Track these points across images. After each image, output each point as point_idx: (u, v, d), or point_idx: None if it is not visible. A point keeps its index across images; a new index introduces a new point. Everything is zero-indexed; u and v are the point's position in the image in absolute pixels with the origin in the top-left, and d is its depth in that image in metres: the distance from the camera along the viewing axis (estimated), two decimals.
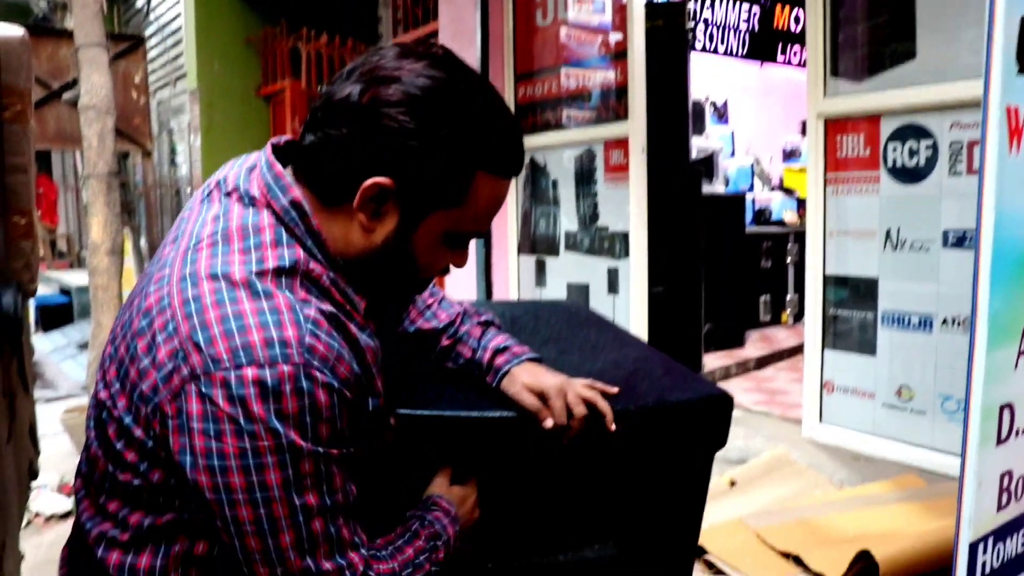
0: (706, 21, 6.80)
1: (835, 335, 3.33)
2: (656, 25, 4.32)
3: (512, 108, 4.92)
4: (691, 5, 6.47)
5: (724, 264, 5.17)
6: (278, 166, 1.01)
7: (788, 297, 6.02)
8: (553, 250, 4.71)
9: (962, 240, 2.88)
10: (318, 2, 7.01)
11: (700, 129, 6.39)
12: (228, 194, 1.01)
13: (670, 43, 4.42)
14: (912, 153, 3.01)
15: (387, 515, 1.13)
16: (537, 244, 4.84)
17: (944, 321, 2.95)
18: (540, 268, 4.83)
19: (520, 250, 4.96)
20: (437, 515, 1.13)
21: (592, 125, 4.42)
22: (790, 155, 7.26)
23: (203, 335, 0.89)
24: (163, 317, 0.93)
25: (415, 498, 1.17)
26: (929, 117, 2.94)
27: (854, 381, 3.29)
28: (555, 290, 4.74)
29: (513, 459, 1.26)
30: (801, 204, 6.35)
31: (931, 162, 2.95)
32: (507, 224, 4.96)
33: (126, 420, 0.96)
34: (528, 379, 1.23)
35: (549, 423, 1.20)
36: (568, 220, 4.60)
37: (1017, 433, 1.36)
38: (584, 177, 4.46)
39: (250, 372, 0.87)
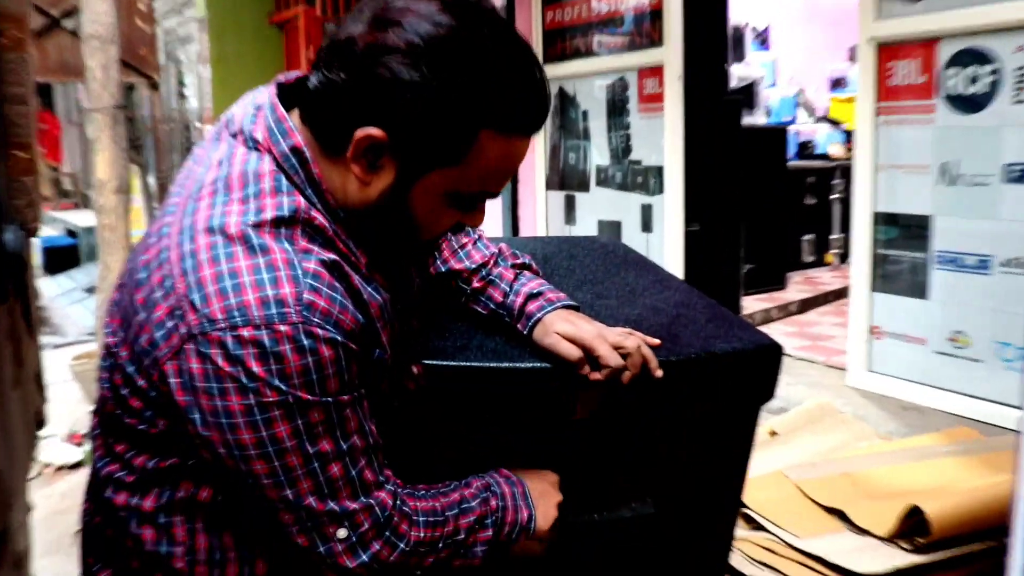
0: None
1: (884, 277, 3.28)
2: None
3: (539, 34, 4.84)
4: None
5: (765, 201, 5.11)
6: (281, 108, 1.00)
7: (833, 236, 5.94)
8: (583, 186, 4.67)
9: None
10: None
11: (740, 56, 6.25)
12: (234, 135, 1.01)
13: None
14: (972, 80, 2.92)
15: (418, 473, 1.13)
16: (566, 179, 4.80)
17: (1003, 262, 2.89)
18: (570, 205, 4.80)
19: (548, 186, 4.91)
20: (498, 479, 1.15)
21: (625, 52, 4.33)
22: (836, 84, 7.10)
23: (199, 294, 0.90)
24: (161, 272, 0.94)
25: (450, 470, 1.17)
26: (992, 40, 2.84)
27: (904, 326, 3.24)
28: (585, 227, 4.70)
29: (546, 414, 1.25)
30: (848, 136, 6.22)
31: (993, 89, 2.86)
32: (535, 158, 4.90)
33: (129, 369, 0.98)
34: (564, 327, 1.21)
35: (597, 375, 1.18)
36: (599, 154, 4.54)
37: None
38: (616, 108, 4.40)
39: (246, 333, 0.89)
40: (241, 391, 0.89)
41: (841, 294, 4.96)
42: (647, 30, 4.19)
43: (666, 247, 4.10)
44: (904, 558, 1.92)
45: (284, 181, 0.97)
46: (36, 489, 2.78)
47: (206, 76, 7.16)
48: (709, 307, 1.47)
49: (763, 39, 6.96)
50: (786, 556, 2.00)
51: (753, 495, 2.20)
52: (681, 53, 3.97)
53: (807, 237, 5.93)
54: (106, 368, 1.03)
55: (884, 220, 3.25)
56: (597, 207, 4.59)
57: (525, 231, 4.98)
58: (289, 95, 1.03)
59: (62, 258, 7.97)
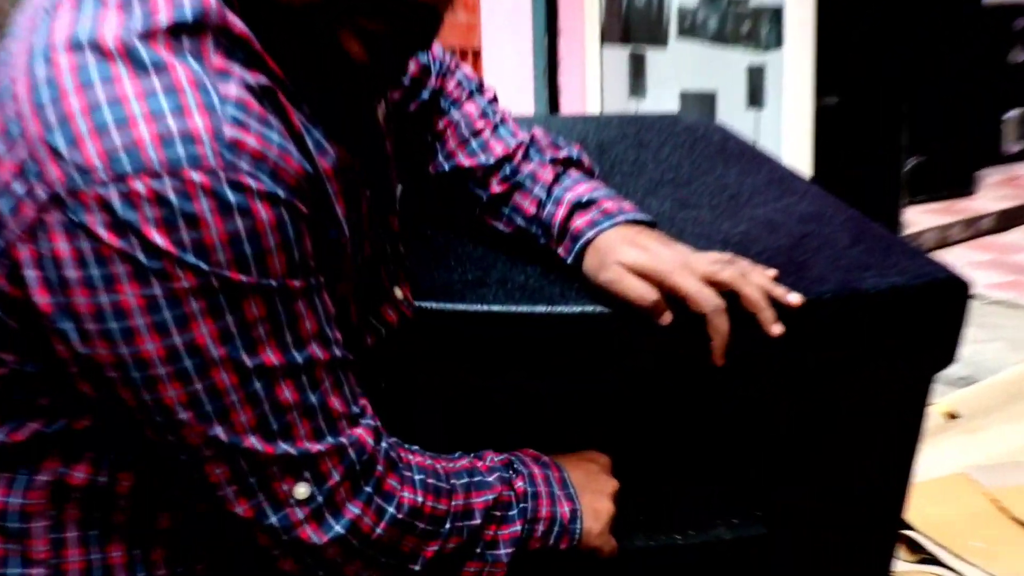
0: None
1: None
2: None
3: None
4: None
5: (942, 59, 5.07)
6: None
7: None
8: (658, 38, 4.64)
9: None
10: None
11: None
12: None
13: None
14: None
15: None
16: (632, 28, 4.77)
17: None
18: (637, 67, 4.78)
19: (605, 38, 4.89)
20: (522, 457, 1.19)
21: None
22: None
23: (62, 135, 0.88)
24: (2, 116, 0.92)
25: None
26: None
27: None
28: (661, 102, 4.68)
29: (602, 385, 1.26)
30: None
31: None
32: None
33: None
34: (629, 254, 1.21)
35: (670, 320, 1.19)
36: None
37: None
38: None
39: (140, 185, 0.86)
40: (138, 276, 0.87)
41: None
42: None
43: (786, 131, 4.09)
44: None
45: None
46: None
47: None
48: (852, 222, 1.46)
49: None
50: None
51: (921, 509, 2.20)
52: None
53: (1011, 114, 5.85)
54: None
55: None
56: (679, 71, 4.57)
57: (569, 107, 4.94)
58: None
59: None
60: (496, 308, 1.22)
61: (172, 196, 0.86)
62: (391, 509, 1.03)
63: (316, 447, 0.98)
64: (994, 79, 5.68)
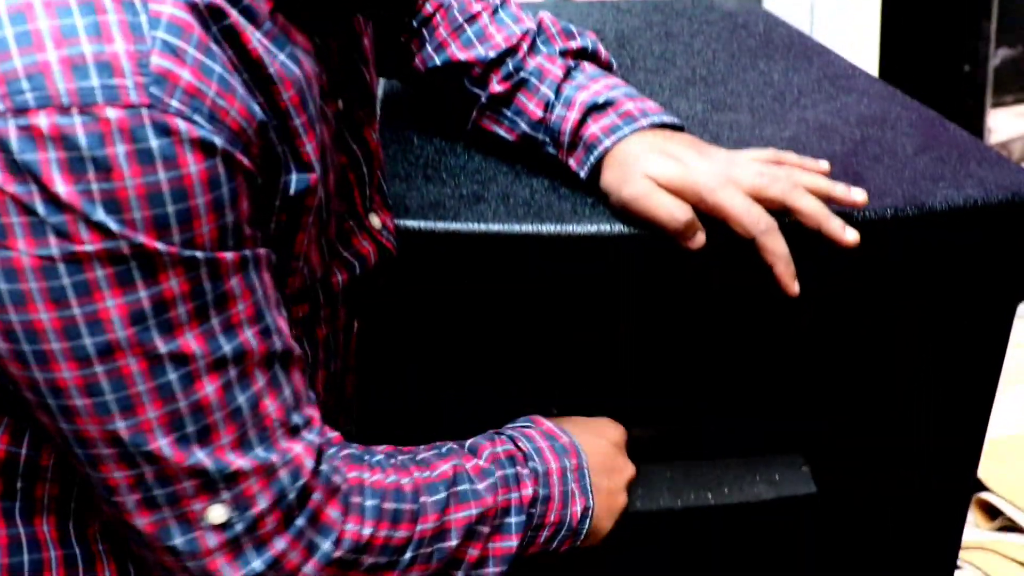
0: None
1: None
2: None
3: None
4: None
5: None
6: None
7: None
8: None
9: None
10: None
11: None
12: None
13: None
14: None
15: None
16: None
17: None
18: None
19: None
20: (538, 443, 1.16)
21: None
22: None
23: None
24: None
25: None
26: None
27: None
28: None
29: (620, 319, 1.26)
30: None
31: None
32: None
33: None
34: (656, 164, 1.18)
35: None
36: None
37: None
38: None
39: (43, 120, 0.82)
40: (33, 230, 0.83)
41: None
42: None
43: (847, 17, 4.06)
44: None
45: None
46: None
47: None
48: (923, 124, 1.43)
49: None
50: None
51: (998, 469, 2.21)
52: None
53: None
54: None
55: None
56: None
57: None
58: None
59: None
60: (496, 228, 1.19)
61: (81, 136, 0.82)
62: (326, 546, 1.00)
63: (239, 462, 0.94)
64: None
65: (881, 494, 1.38)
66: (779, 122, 1.42)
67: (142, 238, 0.85)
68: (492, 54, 1.31)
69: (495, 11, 1.34)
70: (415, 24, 1.36)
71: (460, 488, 1.08)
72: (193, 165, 0.86)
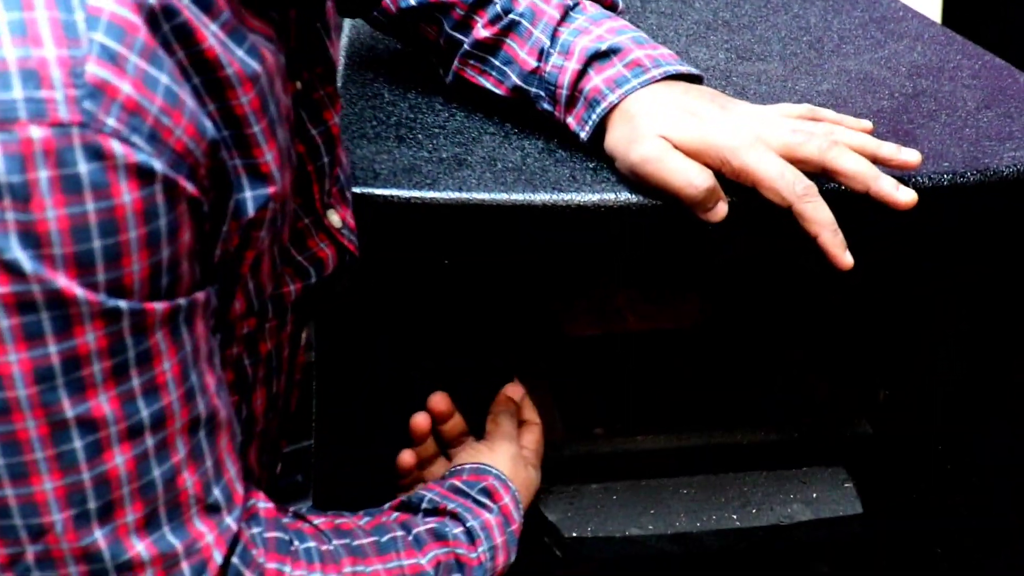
0: None
1: None
2: None
3: None
4: None
5: None
6: None
7: None
8: None
9: None
10: None
11: None
12: None
13: None
14: None
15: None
16: None
17: None
18: None
19: None
20: (480, 512, 1.17)
21: None
22: None
23: None
24: None
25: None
26: None
27: None
28: None
29: (633, 309, 1.32)
30: None
31: None
32: None
33: None
34: (671, 121, 1.15)
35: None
36: None
37: None
38: None
39: None
40: None
41: None
42: None
43: None
44: None
45: None
46: None
47: None
48: (986, 74, 1.44)
49: None
50: None
51: None
52: None
53: None
54: None
55: None
56: None
57: None
58: None
59: None
60: (481, 196, 1.18)
61: None
62: None
63: (138, 546, 0.91)
64: None
65: (938, 514, 1.40)
66: (815, 73, 1.42)
67: (60, 280, 0.82)
68: None
69: None
70: None
71: (391, 566, 1.09)
72: (127, 194, 0.83)
